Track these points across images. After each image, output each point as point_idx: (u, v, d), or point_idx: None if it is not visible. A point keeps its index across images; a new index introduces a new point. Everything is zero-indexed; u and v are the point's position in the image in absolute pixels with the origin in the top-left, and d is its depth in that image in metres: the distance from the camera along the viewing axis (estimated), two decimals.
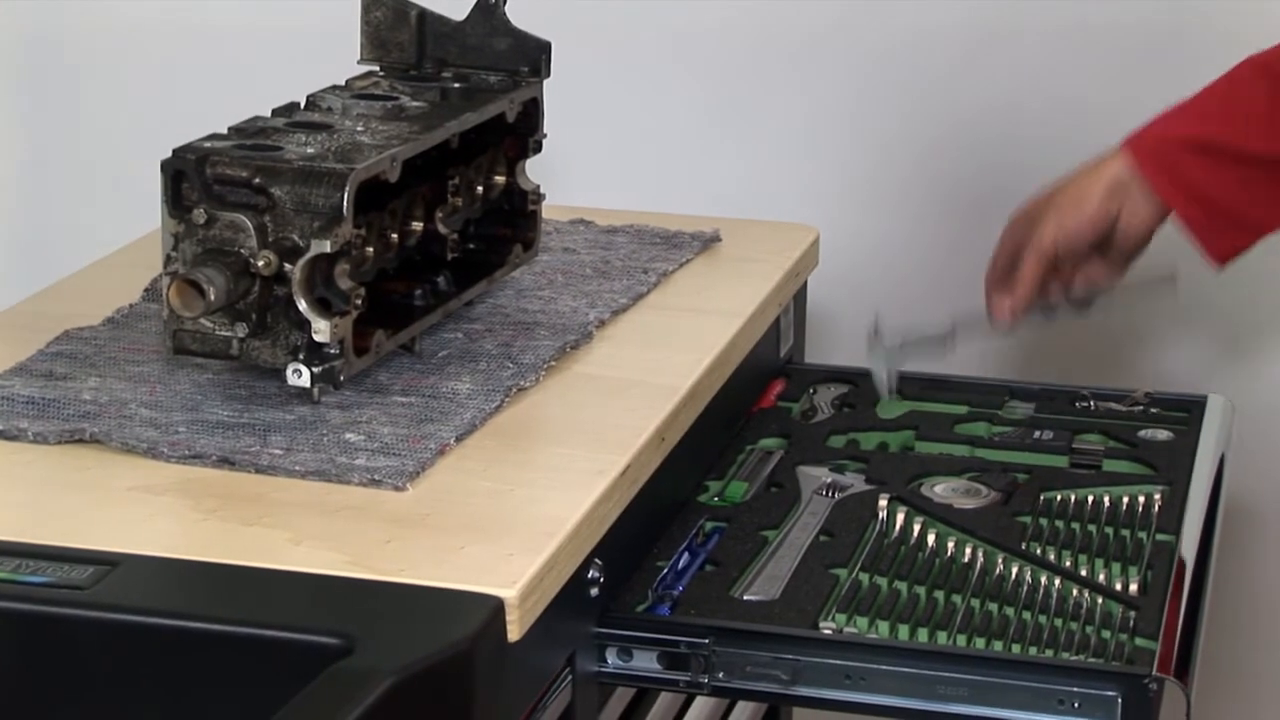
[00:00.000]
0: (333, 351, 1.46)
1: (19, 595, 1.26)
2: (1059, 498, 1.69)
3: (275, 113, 1.58)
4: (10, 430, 1.48)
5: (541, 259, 1.83)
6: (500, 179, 1.71)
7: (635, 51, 2.38)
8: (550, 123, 1.72)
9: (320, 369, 1.46)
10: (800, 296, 1.99)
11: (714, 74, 2.38)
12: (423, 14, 1.70)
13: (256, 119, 1.55)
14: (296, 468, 1.42)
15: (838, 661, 1.46)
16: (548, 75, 1.70)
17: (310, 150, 1.48)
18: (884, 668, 1.45)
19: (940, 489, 1.70)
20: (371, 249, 1.54)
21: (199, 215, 1.45)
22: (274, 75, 1.88)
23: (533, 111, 1.70)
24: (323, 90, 1.64)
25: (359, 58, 1.72)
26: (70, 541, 1.32)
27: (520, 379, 1.59)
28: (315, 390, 1.47)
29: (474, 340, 1.66)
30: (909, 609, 1.52)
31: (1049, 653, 1.46)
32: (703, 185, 2.37)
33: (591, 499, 1.41)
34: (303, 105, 1.61)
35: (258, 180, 1.44)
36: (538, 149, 1.71)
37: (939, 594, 1.54)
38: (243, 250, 1.44)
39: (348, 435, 1.48)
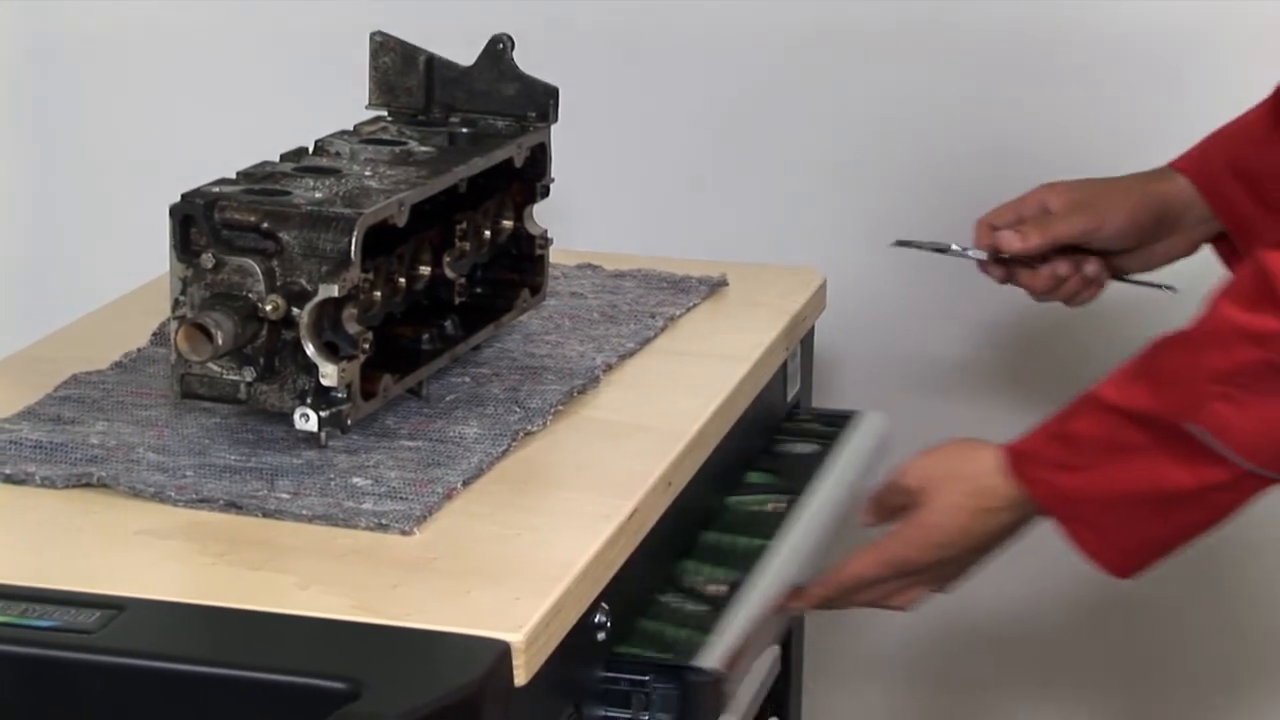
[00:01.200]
0: (340, 396, 1.46)
1: (25, 639, 1.26)
2: None
3: (283, 157, 1.58)
4: (18, 474, 1.48)
5: (549, 304, 1.83)
6: (508, 224, 1.71)
7: (642, 96, 2.38)
8: (558, 167, 1.72)
9: (328, 413, 1.46)
10: (807, 340, 1.99)
11: (720, 118, 2.38)
12: (431, 59, 1.71)
13: (264, 164, 1.56)
14: (304, 512, 1.42)
15: None
16: (555, 120, 1.70)
17: (318, 195, 1.48)
18: None
19: None
20: (379, 293, 1.54)
21: (207, 260, 1.45)
22: (282, 120, 1.88)
23: (540, 156, 1.70)
24: (330, 135, 1.65)
25: (367, 103, 1.72)
26: (77, 585, 1.32)
27: (527, 423, 1.59)
28: (322, 434, 1.47)
29: (481, 385, 1.66)
30: None
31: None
32: (709, 229, 2.38)
33: (598, 543, 1.41)
34: (311, 150, 1.62)
35: (266, 225, 1.45)
36: (545, 194, 1.71)
37: None
38: (250, 294, 1.45)
39: (355, 479, 1.48)
